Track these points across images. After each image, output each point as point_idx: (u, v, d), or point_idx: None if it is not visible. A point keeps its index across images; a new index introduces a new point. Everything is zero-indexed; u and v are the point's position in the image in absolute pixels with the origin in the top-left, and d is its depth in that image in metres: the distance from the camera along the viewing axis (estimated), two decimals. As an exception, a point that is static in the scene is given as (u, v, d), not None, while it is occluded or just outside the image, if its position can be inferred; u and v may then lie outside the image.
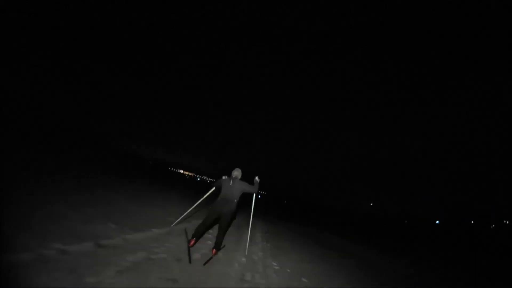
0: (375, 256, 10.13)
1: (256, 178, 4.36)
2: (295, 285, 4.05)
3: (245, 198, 4.97)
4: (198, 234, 3.92)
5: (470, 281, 8.15)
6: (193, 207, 5.50)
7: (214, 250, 3.92)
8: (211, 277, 3.19)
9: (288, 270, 4.72)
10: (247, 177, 4.41)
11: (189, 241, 3.84)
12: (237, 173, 4.17)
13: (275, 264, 4.89)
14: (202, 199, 5.24)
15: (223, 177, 4.27)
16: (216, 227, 4.58)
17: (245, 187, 4.10)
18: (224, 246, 4.70)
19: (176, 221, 5.50)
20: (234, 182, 4.01)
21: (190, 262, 3.41)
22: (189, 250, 3.72)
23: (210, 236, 5.62)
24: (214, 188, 4.71)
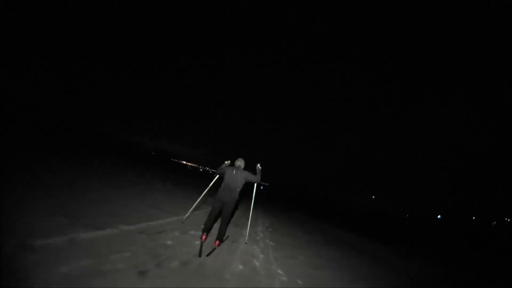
0: (391, 256, 9.88)
1: (258, 165, 4.45)
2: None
3: (247, 188, 4.91)
4: (207, 229, 4.04)
5: (470, 281, 8.27)
6: (200, 197, 5.68)
7: (217, 241, 4.01)
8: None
9: (300, 282, 3.97)
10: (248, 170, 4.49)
11: (200, 237, 4.02)
12: (240, 163, 4.26)
13: (281, 272, 4.16)
14: (208, 188, 5.32)
15: (225, 163, 4.44)
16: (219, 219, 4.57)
17: (248, 176, 4.15)
18: (227, 237, 4.87)
19: (187, 215, 5.68)
20: (237, 171, 4.08)
21: (199, 256, 3.56)
22: (201, 245, 3.88)
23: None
24: (217, 177, 4.74)
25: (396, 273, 7.00)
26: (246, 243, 5.15)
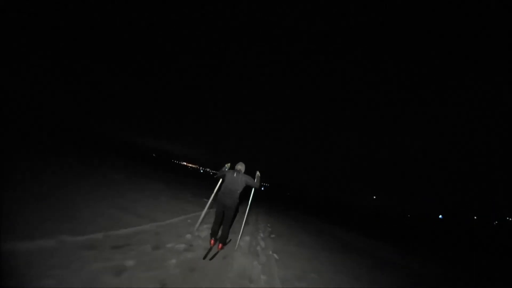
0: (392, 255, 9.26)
1: (258, 172, 4.47)
2: None
3: (246, 192, 4.46)
4: (215, 233, 4.04)
5: (470, 281, 8.04)
6: (207, 204, 5.11)
7: (220, 245, 3.97)
8: None
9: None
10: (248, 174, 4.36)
11: (209, 241, 4.03)
12: (240, 167, 4.21)
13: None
14: (213, 194, 4.86)
15: (226, 166, 4.45)
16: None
17: (248, 180, 4.11)
18: (230, 240, 4.69)
19: (197, 225, 5.04)
20: (237, 175, 4.05)
21: (204, 258, 3.47)
22: (209, 249, 3.84)
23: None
24: (221, 180, 4.57)
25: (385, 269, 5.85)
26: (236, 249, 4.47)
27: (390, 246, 11.79)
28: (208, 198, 10.43)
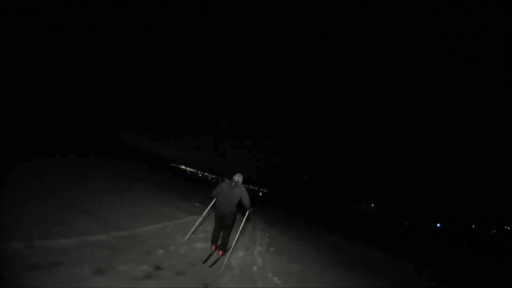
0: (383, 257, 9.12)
1: (250, 210, 4.24)
2: None
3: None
4: (215, 239, 4.02)
5: (470, 281, 7.88)
6: (198, 221, 4.59)
7: (220, 252, 3.94)
8: None
9: None
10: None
11: (210, 247, 4.05)
12: (238, 178, 4.12)
13: None
14: (205, 212, 4.51)
15: (223, 183, 4.25)
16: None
17: (243, 194, 3.96)
18: (231, 247, 4.29)
19: (188, 236, 4.35)
20: (235, 186, 3.98)
21: (204, 262, 3.50)
22: (210, 254, 3.83)
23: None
24: (214, 200, 4.16)
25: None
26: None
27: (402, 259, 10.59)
28: (201, 203, 9.20)
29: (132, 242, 3.33)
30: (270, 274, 3.88)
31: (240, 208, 4.13)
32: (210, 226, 6.05)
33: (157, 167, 27.94)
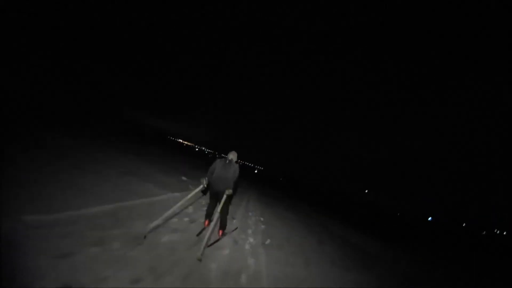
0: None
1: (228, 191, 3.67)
2: None
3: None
4: (209, 215, 3.96)
5: (470, 280, 7.77)
6: (179, 203, 3.48)
7: (220, 231, 3.87)
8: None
9: None
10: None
11: (203, 222, 4.02)
12: (232, 156, 4.00)
13: None
14: (190, 195, 3.57)
15: (218, 159, 4.03)
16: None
17: (235, 172, 3.79)
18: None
19: (156, 222, 3.13)
20: (229, 163, 3.82)
21: (197, 235, 3.51)
22: (202, 229, 3.81)
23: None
24: (204, 183, 3.56)
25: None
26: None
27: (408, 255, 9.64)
28: (189, 176, 7.87)
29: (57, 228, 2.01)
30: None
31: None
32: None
33: (153, 139, 26.64)
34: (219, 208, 3.51)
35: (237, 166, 3.89)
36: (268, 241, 4.53)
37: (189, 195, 3.50)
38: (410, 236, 20.85)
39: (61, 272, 1.76)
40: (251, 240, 4.26)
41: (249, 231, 4.79)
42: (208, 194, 3.87)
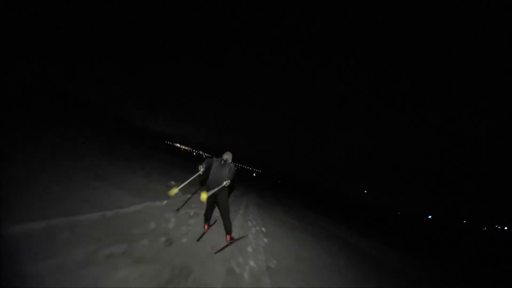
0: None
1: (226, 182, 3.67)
2: None
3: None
4: (207, 219, 3.90)
5: (470, 280, 7.40)
6: (181, 185, 3.67)
7: (227, 236, 3.76)
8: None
9: None
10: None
11: (203, 226, 3.93)
12: (227, 156, 3.95)
13: None
14: (188, 180, 3.88)
15: (214, 158, 3.98)
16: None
17: (231, 170, 3.70)
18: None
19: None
20: (224, 164, 3.74)
21: (197, 240, 3.41)
22: (203, 233, 3.71)
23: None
24: (201, 170, 3.60)
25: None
26: None
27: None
28: (179, 179, 7.01)
29: None
30: None
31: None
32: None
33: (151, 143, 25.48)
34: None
35: (232, 165, 3.77)
36: (273, 263, 3.46)
37: (184, 184, 3.67)
38: (413, 236, 19.99)
39: None
40: (251, 264, 3.20)
41: (249, 249, 3.72)
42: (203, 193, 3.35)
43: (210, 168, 3.75)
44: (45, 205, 2.58)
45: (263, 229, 5.39)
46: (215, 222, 4.49)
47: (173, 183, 7.02)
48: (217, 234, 3.92)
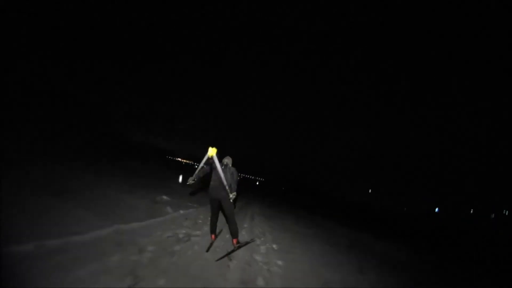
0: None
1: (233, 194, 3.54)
2: None
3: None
4: (213, 228, 3.70)
5: (470, 280, 6.57)
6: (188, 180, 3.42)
7: (234, 240, 3.59)
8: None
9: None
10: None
11: (210, 236, 3.74)
12: (227, 160, 3.85)
13: None
14: (194, 175, 3.51)
15: (207, 156, 3.71)
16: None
17: (233, 174, 3.62)
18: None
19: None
20: (225, 169, 3.55)
21: (207, 251, 3.25)
22: (211, 243, 3.53)
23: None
24: (201, 168, 3.51)
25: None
26: None
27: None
28: (172, 195, 5.86)
29: None
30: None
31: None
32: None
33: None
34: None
35: (234, 169, 3.68)
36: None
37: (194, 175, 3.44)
38: (411, 231, 18.81)
39: None
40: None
41: (260, 281, 2.63)
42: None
43: (209, 174, 3.62)
44: None
45: (274, 246, 4.30)
46: (221, 231, 4.21)
47: (164, 197, 5.99)
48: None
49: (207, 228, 4.37)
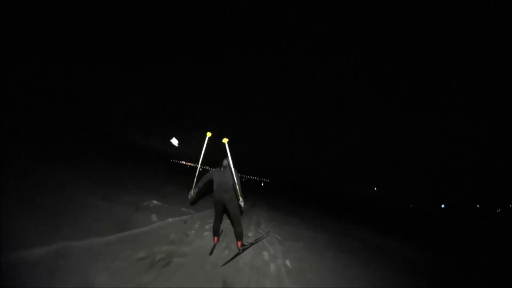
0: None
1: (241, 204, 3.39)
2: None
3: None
4: (216, 231, 3.51)
5: (471, 279, 6.01)
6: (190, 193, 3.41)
7: (239, 242, 3.47)
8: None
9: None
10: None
11: (213, 239, 3.60)
12: (227, 161, 3.54)
13: None
14: (194, 185, 3.47)
15: (211, 170, 3.66)
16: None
17: (235, 175, 3.28)
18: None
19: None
20: (225, 170, 3.43)
21: (210, 254, 3.17)
22: (214, 246, 3.42)
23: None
24: (190, 195, 3.43)
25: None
26: None
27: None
28: (164, 199, 4.96)
29: None
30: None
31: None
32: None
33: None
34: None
35: (234, 169, 3.33)
36: None
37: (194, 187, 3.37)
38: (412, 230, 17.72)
39: None
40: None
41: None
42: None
43: (211, 182, 3.46)
44: None
45: (287, 262, 3.32)
46: (221, 231, 4.01)
47: (155, 202, 5.04)
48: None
49: (200, 242, 3.43)
